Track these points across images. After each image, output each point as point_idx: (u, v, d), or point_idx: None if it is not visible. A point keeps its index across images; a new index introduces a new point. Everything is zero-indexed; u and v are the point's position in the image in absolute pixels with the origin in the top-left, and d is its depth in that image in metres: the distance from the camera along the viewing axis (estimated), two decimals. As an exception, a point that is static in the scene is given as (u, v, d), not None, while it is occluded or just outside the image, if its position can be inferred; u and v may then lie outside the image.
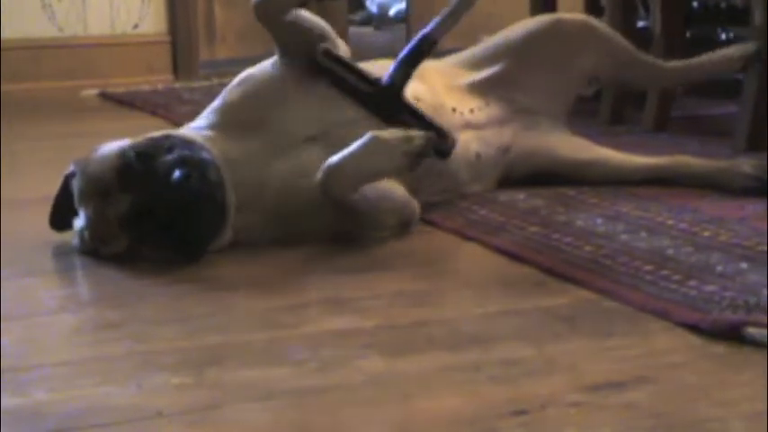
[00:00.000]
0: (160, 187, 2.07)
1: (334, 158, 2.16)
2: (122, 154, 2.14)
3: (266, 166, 2.22)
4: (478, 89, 2.66)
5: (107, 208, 2.12)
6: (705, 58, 2.97)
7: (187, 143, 2.17)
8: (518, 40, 2.74)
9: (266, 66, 2.36)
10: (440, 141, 2.25)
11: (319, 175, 2.16)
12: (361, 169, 2.17)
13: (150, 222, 2.08)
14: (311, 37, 2.34)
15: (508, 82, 2.69)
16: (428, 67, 2.64)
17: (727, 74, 3.23)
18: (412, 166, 2.20)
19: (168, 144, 2.15)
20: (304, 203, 2.22)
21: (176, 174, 2.06)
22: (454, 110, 2.55)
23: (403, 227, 2.29)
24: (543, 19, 2.82)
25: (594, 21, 2.86)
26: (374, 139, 2.17)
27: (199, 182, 2.08)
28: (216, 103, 2.35)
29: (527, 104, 2.68)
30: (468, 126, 2.55)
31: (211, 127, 2.28)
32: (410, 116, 2.29)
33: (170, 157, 2.11)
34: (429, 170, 2.34)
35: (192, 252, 2.11)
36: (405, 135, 2.18)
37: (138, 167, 2.11)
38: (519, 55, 2.71)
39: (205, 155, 2.15)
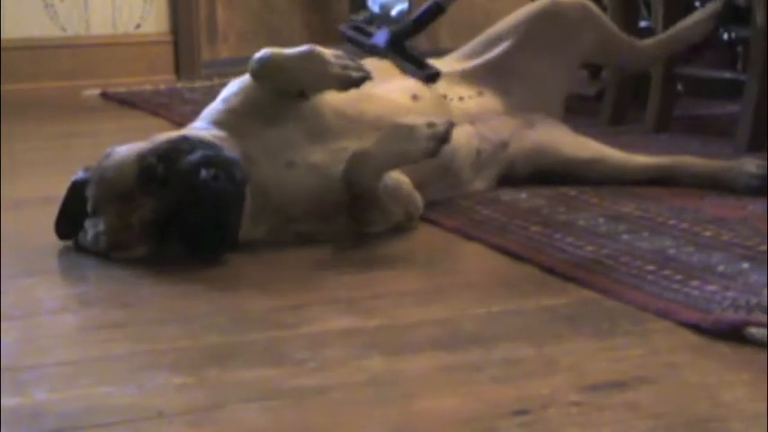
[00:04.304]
0: (187, 188, 2.05)
1: (360, 147, 2.18)
2: (142, 158, 2.12)
3: (271, 171, 2.22)
4: (471, 77, 2.67)
5: (130, 214, 2.10)
6: (677, 27, 3.02)
7: (206, 143, 2.15)
8: (515, 23, 2.76)
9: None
10: (425, 72, 2.57)
11: (346, 164, 2.18)
12: (386, 153, 2.19)
13: (176, 224, 2.07)
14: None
15: (503, 70, 2.71)
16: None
17: (727, 72, 3.24)
18: (434, 151, 2.21)
19: (188, 145, 2.13)
20: (309, 209, 2.22)
21: (203, 174, 2.04)
22: (445, 96, 2.56)
23: (407, 221, 2.29)
24: (540, 2, 2.82)
25: (590, 3, 2.87)
26: (397, 126, 2.20)
27: (227, 181, 2.06)
28: (217, 105, 2.33)
29: (522, 97, 2.69)
30: (465, 116, 2.55)
31: (217, 126, 2.26)
32: (402, 58, 2.58)
33: (194, 158, 2.08)
34: (434, 166, 2.35)
35: (220, 252, 2.11)
36: (427, 121, 2.21)
37: (161, 171, 2.09)
38: (515, 39, 2.73)
39: (229, 153, 2.14)
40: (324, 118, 2.29)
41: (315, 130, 2.27)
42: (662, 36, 3.05)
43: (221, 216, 2.06)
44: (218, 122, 2.28)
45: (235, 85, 2.34)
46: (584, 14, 2.81)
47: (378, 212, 2.23)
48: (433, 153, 2.22)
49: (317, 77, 2.25)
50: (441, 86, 2.57)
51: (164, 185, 2.08)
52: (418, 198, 2.32)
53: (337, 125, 2.30)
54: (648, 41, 3.02)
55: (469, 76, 2.68)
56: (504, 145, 2.62)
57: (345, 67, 2.24)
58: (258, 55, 2.27)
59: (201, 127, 2.28)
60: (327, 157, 2.25)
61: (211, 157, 2.09)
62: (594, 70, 3.99)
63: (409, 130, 2.19)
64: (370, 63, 2.55)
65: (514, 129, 2.64)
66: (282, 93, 2.28)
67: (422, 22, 2.71)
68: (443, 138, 2.20)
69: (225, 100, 2.32)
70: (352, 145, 2.26)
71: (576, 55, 2.84)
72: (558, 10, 2.78)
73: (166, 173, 2.08)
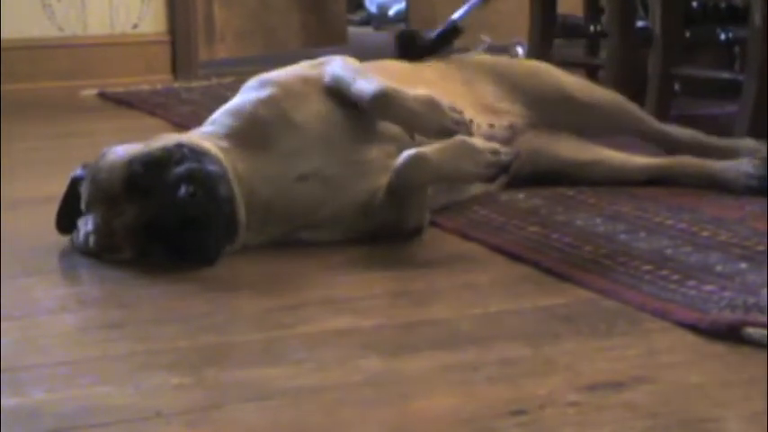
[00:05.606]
0: (165, 202, 2.05)
1: (420, 149, 2.17)
2: (130, 164, 2.11)
3: (280, 184, 2.20)
4: (507, 111, 2.65)
5: (114, 218, 2.11)
6: (717, 142, 2.78)
7: (199, 155, 2.13)
8: (549, 99, 2.70)
9: (294, 78, 2.31)
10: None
11: (400, 161, 2.16)
12: (444, 165, 2.16)
13: (155, 235, 2.08)
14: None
15: (537, 115, 2.69)
16: (439, 68, 2.67)
17: (725, 72, 3.23)
18: (491, 178, 2.22)
19: (179, 155, 2.11)
20: (320, 219, 2.21)
21: (182, 190, 2.03)
22: (471, 121, 2.54)
23: (415, 232, 2.26)
24: (577, 88, 2.78)
25: (623, 100, 2.84)
26: (463, 142, 2.17)
27: (205, 199, 2.04)
28: (236, 107, 2.28)
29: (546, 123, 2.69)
30: (489, 140, 2.54)
31: (228, 135, 2.23)
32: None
33: (178, 171, 2.07)
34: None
35: (201, 265, 2.09)
36: (493, 147, 2.18)
37: (145, 181, 2.09)
38: (546, 110, 2.69)
39: (215, 168, 2.11)
40: (342, 130, 2.28)
41: (332, 143, 2.25)
42: (699, 137, 2.80)
43: (197, 233, 2.06)
44: (230, 131, 2.24)
45: (261, 91, 2.28)
46: (616, 113, 2.79)
47: (414, 213, 2.23)
48: (490, 180, 2.24)
49: (430, 125, 2.21)
50: (469, 109, 2.56)
51: (147, 195, 2.08)
52: (427, 211, 2.30)
53: (356, 138, 2.28)
54: (686, 133, 2.81)
55: (505, 110, 2.65)
56: (517, 156, 2.61)
57: (457, 123, 2.21)
58: (374, 88, 2.22)
59: (210, 132, 2.26)
60: (344, 170, 2.23)
61: (195, 171, 2.07)
62: (591, 70, 3.98)
63: (473, 152, 2.16)
64: (393, 68, 2.55)
65: (525, 138, 2.63)
66: (308, 104, 2.26)
67: (440, 42, 2.79)
68: (505, 168, 2.19)
69: (246, 104, 2.27)
70: (370, 158, 2.25)
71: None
72: (593, 107, 2.76)
73: (150, 183, 2.08)
